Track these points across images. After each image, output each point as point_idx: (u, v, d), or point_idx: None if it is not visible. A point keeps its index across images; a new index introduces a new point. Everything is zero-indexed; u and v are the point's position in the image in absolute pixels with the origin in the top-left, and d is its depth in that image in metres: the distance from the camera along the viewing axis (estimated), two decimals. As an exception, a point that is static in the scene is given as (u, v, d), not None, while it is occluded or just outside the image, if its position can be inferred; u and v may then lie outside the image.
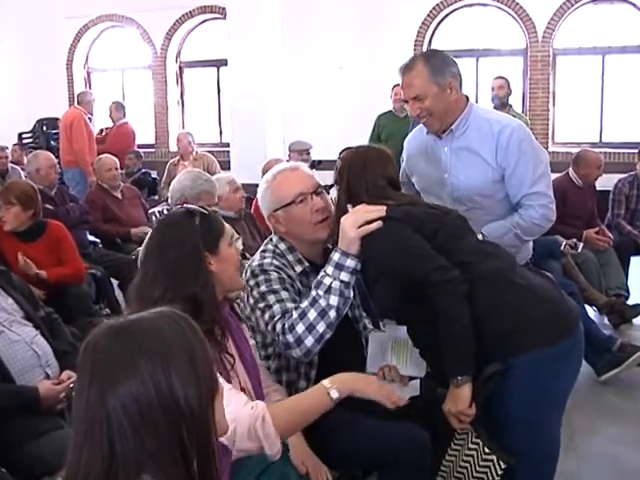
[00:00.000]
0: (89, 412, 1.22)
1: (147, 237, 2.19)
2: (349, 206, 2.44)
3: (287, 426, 1.93)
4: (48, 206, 5.23)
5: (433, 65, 2.92)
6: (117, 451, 1.20)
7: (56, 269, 4.50)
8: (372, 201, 2.41)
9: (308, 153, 6.92)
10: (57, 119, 9.77)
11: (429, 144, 3.10)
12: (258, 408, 1.90)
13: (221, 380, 1.86)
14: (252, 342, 2.44)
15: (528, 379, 2.19)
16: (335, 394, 1.93)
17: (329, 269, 2.36)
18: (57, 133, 9.68)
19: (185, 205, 2.27)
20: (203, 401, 1.26)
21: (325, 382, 1.95)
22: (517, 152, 2.88)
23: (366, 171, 2.53)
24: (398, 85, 8.33)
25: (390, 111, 8.37)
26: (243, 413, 1.88)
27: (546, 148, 6.71)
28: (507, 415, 2.23)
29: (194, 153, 8.67)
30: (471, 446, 2.25)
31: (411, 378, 2.53)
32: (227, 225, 2.27)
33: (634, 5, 9.37)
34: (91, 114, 9.25)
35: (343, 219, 2.36)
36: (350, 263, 2.34)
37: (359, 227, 2.31)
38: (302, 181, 2.65)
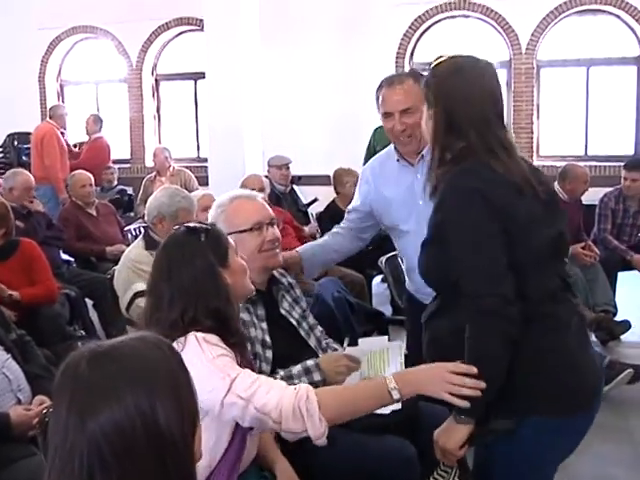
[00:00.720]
0: (68, 440, 1.20)
1: (153, 263, 2.21)
2: None
3: (334, 412, 1.93)
4: (19, 223, 5.18)
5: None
6: None
7: (28, 289, 4.46)
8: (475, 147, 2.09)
9: (287, 168, 6.93)
10: (29, 134, 9.68)
11: (398, 172, 3.09)
12: (302, 388, 1.93)
13: (249, 373, 1.98)
14: None
15: (531, 443, 2.04)
16: (396, 395, 1.92)
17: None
18: (29, 148, 9.61)
19: (185, 224, 2.29)
20: (186, 430, 1.25)
21: (389, 379, 1.93)
22: None
23: (475, 97, 2.16)
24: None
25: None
26: (287, 393, 1.92)
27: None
28: (494, 469, 2.12)
29: (171, 169, 8.66)
30: None
31: None
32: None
33: (618, 17, 9.51)
34: (64, 128, 9.21)
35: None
36: None
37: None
38: (259, 211, 2.81)
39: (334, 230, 3.39)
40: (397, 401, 1.94)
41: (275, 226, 2.84)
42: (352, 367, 2.54)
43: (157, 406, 1.21)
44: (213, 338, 2.02)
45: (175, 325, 2.03)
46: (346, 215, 3.39)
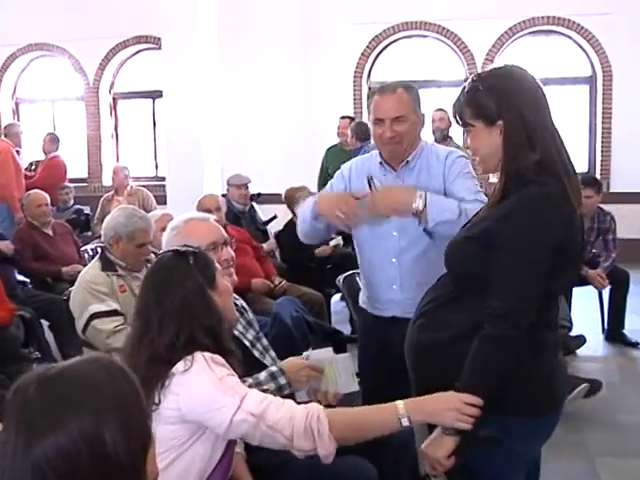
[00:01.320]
0: (15, 463, 1.19)
1: (140, 287, 2.24)
2: None
3: (343, 434, 1.96)
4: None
5: (414, 95, 3.05)
6: None
7: None
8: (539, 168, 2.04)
9: (247, 187, 6.93)
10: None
11: (377, 173, 3.10)
12: (313, 408, 1.97)
13: (257, 391, 2.02)
14: None
15: (509, 442, 2.11)
16: (406, 422, 1.96)
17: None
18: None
19: (173, 247, 2.31)
20: (135, 454, 1.25)
21: (399, 406, 1.96)
22: (460, 168, 2.99)
23: (541, 107, 2.11)
24: (344, 118, 8.45)
25: (337, 144, 8.40)
26: (298, 412, 1.95)
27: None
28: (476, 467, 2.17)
29: (129, 188, 8.61)
30: None
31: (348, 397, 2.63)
32: None
33: (570, 37, 9.74)
34: (19, 147, 9.09)
35: None
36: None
37: None
38: (214, 232, 2.86)
39: None
40: (405, 428, 1.98)
41: (229, 246, 2.88)
42: (313, 375, 2.58)
43: (103, 430, 1.20)
44: (220, 359, 2.05)
45: (172, 347, 2.04)
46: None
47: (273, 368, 2.58)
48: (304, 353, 2.70)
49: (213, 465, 2.06)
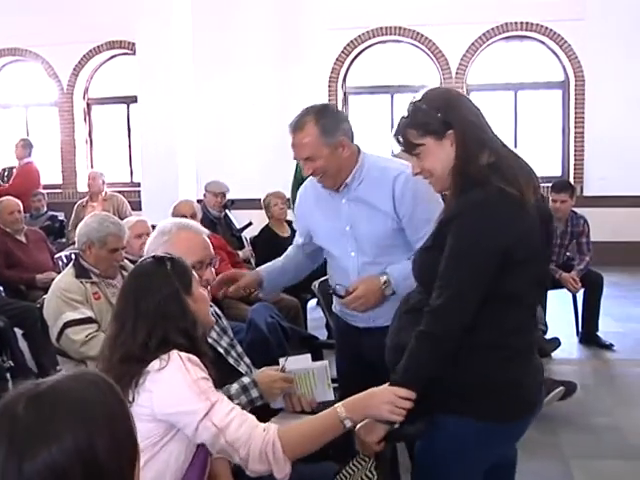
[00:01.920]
0: None
1: (118, 293, 2.28)
2: None
3: (296, 450, 2.01)
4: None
5: (324, 125, 2.90)
6: None
7: None
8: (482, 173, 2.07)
9: (224, 196, 6.91)
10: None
11: (325, 197, 3.10)
12: (270, 432, 1.99)
13: (227, 401, 2.04)
14: None
15: (470, 443, 2.14)
16: (348, 424, 2.04)
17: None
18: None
19: (152, 254, 2.36)
20: (124, 464, 1.26)
21: (339, 409, 2.03)
22: (412, 199, 2.89)
23: (482, 116, 2.18)
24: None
25: None
26: (256, 435, 1.98)
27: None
28: (431, 463, 2.23)
29: (103, 193, 8.56)
30: (368, 474, 2.22)
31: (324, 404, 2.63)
32: None
33: (543, 43, 9.83)
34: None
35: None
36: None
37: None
38: (203, 249, 2.82)
39: (290, 252, 3.42)
40: (349, 429, 2.05)
41: (212, 266, 2.84)
42: (286, 387, 2.62)
43: (95, 444, 1.20)
44: (196, 359, 2.07)
45: (145, 347, 2.07)
46: (297, 235, 3.44)
47: (245, 380, 2.58)
48: (281, 360, 2.70)
49: (186, 466, 2.07)
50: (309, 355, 2.84)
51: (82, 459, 1.19)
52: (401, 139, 2.18)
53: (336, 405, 2.06)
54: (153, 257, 2.30)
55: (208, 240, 2.90)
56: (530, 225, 2.06)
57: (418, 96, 2.18)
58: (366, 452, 2.21)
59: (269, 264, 3.40)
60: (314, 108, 2.97)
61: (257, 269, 3.35)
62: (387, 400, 2.04)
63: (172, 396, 2.01)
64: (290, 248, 3.45)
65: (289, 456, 1.98)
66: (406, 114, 2.17)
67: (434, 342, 2.05)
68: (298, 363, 2.71)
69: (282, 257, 3.43)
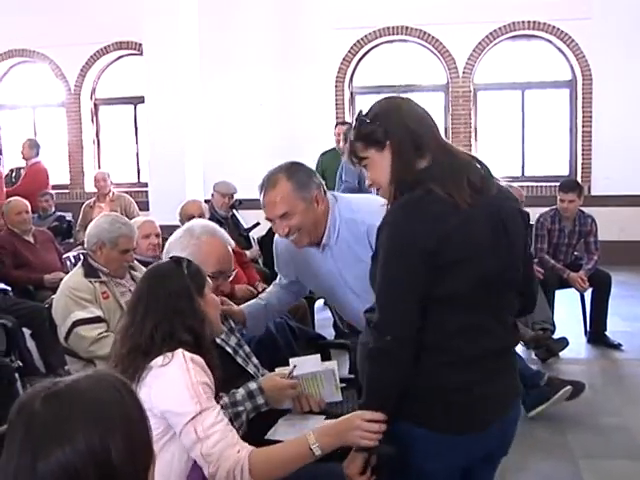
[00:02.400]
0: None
1: (135, 289, 2.34)
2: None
3: (263, 475, 2.01)
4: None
5: (297, 180, 2.87)
6: None
7: None
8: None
9: (232, 197, 6.91)
10: (-38, 159, 9.55)
11: (311, 257, 3.04)
12: (242, 454, 2.00)
13: (218, 412, 2.05)
14: None
15: (421, 453, 2.07)
16: (318, 451, 2.00)
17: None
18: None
19: (171, 256, 2.44)
20: (139, 466, 1.26)
21: (309, 437, 2.01)
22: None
23: (425, 119, 2.16)
24: (340, 124, 8.41)
25: (333, 149, 8.31)
26: (227, 455, 1.99)
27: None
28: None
29: (111, 194, 8.57)
30: None
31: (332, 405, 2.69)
32: None
33: (550, 42, 9.80)
34: (-1, 154, 9.06)
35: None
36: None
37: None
38: (227, 261, 2.84)
39: (273, 289, 3.40)
40: (318, 457, 2.01)
41: (228, 279, 2.87)
42: (292, 395, 2.62)
43: (109, 446, 1.20)
44: (200, 360, 2.09)
45: (151, 339, 2.11)
46: (278, 275, 3.39)
47: (252, 386, 2.57)
48: (291, 360, 2.70)
49: (189, 467, 2.09)
50: (318, 356, 2.83)
51: (95, 460, 1.19)
52: (351, 155, 2.18)
53: (307, 432, 2.04)
54: (171, 258, 2.38)
55: (232, 252, 2.92)
56: (460, 225, 1.97)
57: (364, 110, 2.18)
58: None
59: (252, 303, 3.35)
60: (283, 166, 2.92)
61: (241, 307, 3.25)
62: (355, 426, 2.00)
63: (167, 393, 2.04)
64: (272, 286, 3.43)
65: (258, 479, 1.99)
66: (353, 127, 2.19)
67: (384, 356, 1.99)
68: (307, 364, 2.71)
69: (265, 294, 3.40)
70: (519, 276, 2.14)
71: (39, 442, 1.18)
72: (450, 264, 1.97)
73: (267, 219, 2.96)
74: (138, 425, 1.28)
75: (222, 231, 3.02)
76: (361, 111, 2.18)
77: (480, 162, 2.14)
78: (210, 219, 5.94)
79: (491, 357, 2.08)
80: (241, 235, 6.86)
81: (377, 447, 2.01)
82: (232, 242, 3.02)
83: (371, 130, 2.10)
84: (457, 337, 2.02)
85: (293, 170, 2.91)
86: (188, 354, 2.07)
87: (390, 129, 2.08)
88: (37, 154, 9.53)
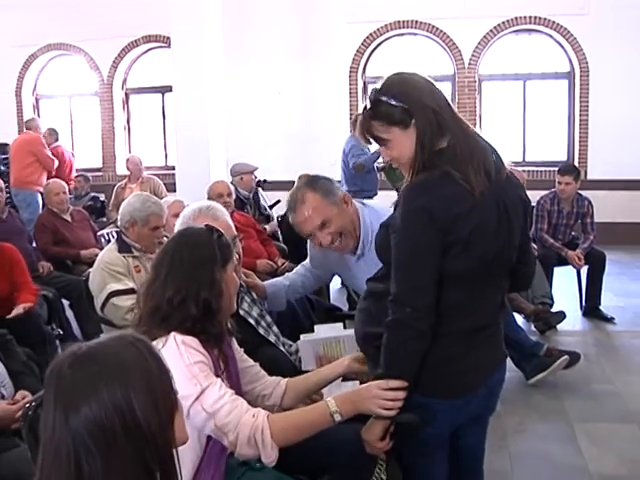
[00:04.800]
0: (55, 435, 1.23)
1: (164, 246, 2.17)
2: None
3: (285, 438, 1.95)
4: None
5: (322, 189, 2.77)
6: (84, 473, 1.21)
7: (25, 296, 4.44)
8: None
9: (253, 174, 6.90)
10: (7, 145, 9.57)
11: (346, 260, 2.96)
12: (259, 418, 1.92)
13: (220, 386, 1.94)
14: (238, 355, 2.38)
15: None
16: (338, 417, 1.96)
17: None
18: (6, 158, 9.48)
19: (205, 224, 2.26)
20: (163, 421, 1.28)
21: (331, 403, 1.95)
22: None
23: (440, 98, 2.03)
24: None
25: None
26: (245, 421, 1.91)
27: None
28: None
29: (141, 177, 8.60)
30: (382, 476, 2.13)
31: None
32: None
33: (550, 36, 9.71)
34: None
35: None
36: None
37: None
38: (225, 231, 2.65)
39: (301, 270, 3.32)
40: (338, 422, 1.97)
41: (238, 243, 2.75)
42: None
43: (133, 400, 1.23)
44: (193, 342, 1.98)
45: (170, 302, 1.99)
46: (309, 258, 3.30)
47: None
48: (316, 327, 2.69)
49: (203, 444, 2.01)
50: (341, 324, 2.85)
51: (120, 413, 1.22)
52: (366, 132, 2.05)
53: (327, 399, 1.98)
54: (205, 225, 2.23)
55: (228, 221, 2.79)
56: (471, 210, 1.90)
57: (378, 85, 2.02)
58: (376, 453, 2.09)
59: (276, 282, 3.29)
60: (302, 182, 2.80)
61: (265, 283, 3.21)
62: (373, 394, 1.93)
63: None
64: (300, 267, 3.36)
65: (277, 442, 1.92)
66: (369, 105, 2.03)
67: (405, 327, 1.90)
68: (330, 331, 2.73)
69: (292, 276, 3.31)
70: (513, 260, 2.08)
71: (68, 400, 1.23)
72: (454, 245, 1.91)
73: (307, 237, 2.82)
74: (158, 378, 1.30)
75: (215, 206, 2.90)
76: (376, 89, 2.02)
77: (492, 147, 2.06)
78: (235, 199, 5.97)
79: (479, 331, 2.04)
80: (262, 214, 6.89)
81: (397, 415, 1.95)
82: (225, 212, 2.90)
83: (392, 110, 1.96)
84: (449, 313, 1.96)
85: (314, 181, 2.81)
86: (180, 337, 1.96)
87: (413, 109, 1.95)
88: (57, 140, 9.57)
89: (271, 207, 7.11)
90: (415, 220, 1.90)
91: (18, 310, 4.28)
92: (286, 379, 2.31)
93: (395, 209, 1.98)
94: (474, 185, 1.91)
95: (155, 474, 1.27)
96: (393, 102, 1.96)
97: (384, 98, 1.98)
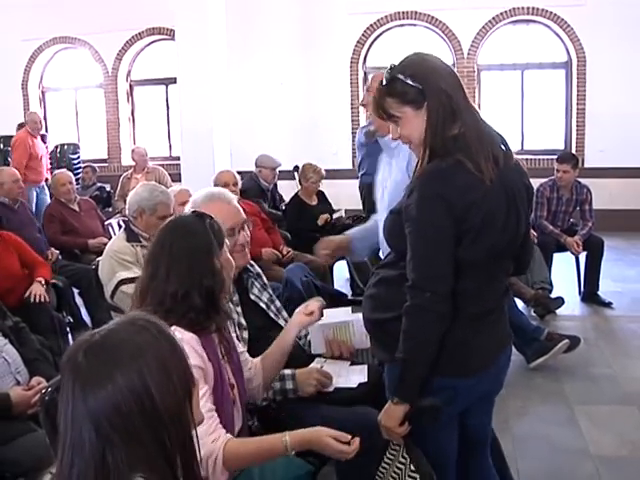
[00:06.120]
0: (75, 422, 1.22)
1: (155, 236, 2.10)
2: None
3: (237, 465, 1.95)
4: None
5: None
6: (108, 459, 1.21)
7: (40, 270, 4.64)
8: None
9: (274, 170, 6.93)
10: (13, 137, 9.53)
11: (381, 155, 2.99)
12: (217, 443, 1.88)
13: (203, 396, 1.87)
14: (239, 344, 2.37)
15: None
16: (292, 453, 1.95)
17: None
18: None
19: (192, 211, 2.24)
20: (180, 401, 1.28)
21: (288, 440, 1.91)
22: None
23: (457, 84, 2.01)
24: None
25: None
26: (204, 442, 1.79)
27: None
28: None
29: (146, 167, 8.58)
30: (401, 460, 2.09)
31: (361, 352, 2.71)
32: None
33: (548, 26, 9.67)
34: (38, 133, 8.94)
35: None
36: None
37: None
38: (234, 216, 2.71)
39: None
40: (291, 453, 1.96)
41: (246, 228, 2.75)
42: (323, 382, 2.53)
43: (147, 381, 1.23)
44: (192, 340, 1.95)
45: (174, 297, 1.96)
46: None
47: (287, 371, 2.49)
48: (325, 311, 2.69)
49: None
50: (349, 308, 2.85)
51: (136, 396, 1.22)
52: (379, 109, 2.03)
53: (284, 433, 1.92)
54: (193, 211, 2.19)
55: (237, 205, 2.79)
56: (481, 199, 1.89)
57: (395, 63, 2.01)
58: (394, 439, 2.06)
59: (356, 228, 3.21)
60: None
61: (347, 233, 3.16)
62: (324, 443, 1.89)
63: None
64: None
65: (228, 468, 1.90)
66: (384, 82, 2.01)
67: (425, 312, 1.89)
68: (340, 315, 2.73)
69: (370, 220, 3.19)
70: (519, 246, 2.09)
71: (85, 387, 1.22)
72: (466, 233, 1.90)
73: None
74: (171, 358, 1.29)
75: (222, 191, 2.89)
76: (394, 65, 2.00)
77: (501, 136, 2.05)
78: (254, 189, 5.96)
79: (488, 314, 2.05)
80: (276, 207, 6.94)
81: (420, 400, 1.94)
82: (233, 196, 2.88)
83: (408, 89, 1.95)
84: (458, 298, 1.94)
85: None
86: (180, 333, 1.88)
87: (428, 91, 1.93)
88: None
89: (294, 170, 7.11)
90: (432, 206, 1.89)
91: (37, 286, 4.44)
92: (258, 357, 2.34)
93: (409, 196, 1.95)
94: (485, 172, 1.90)
95: (175, 458, 1.27)
96: (409, 82, 1.95)
97: (401, 76, 1.96)
